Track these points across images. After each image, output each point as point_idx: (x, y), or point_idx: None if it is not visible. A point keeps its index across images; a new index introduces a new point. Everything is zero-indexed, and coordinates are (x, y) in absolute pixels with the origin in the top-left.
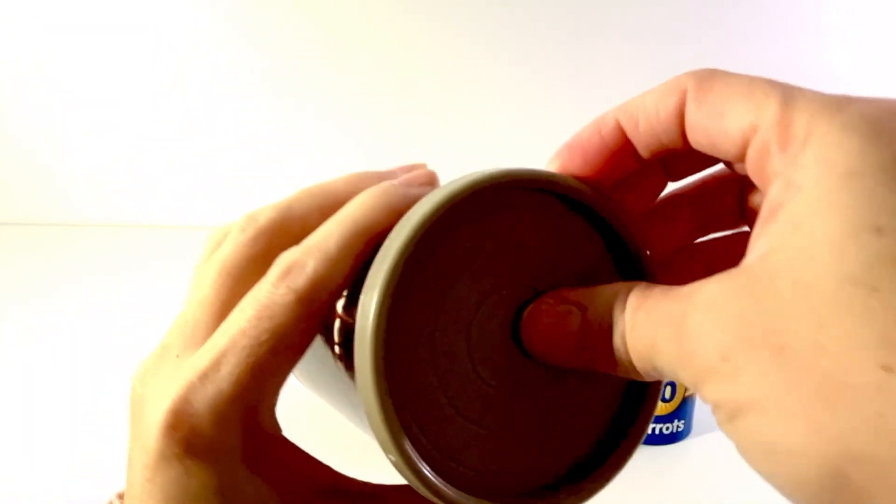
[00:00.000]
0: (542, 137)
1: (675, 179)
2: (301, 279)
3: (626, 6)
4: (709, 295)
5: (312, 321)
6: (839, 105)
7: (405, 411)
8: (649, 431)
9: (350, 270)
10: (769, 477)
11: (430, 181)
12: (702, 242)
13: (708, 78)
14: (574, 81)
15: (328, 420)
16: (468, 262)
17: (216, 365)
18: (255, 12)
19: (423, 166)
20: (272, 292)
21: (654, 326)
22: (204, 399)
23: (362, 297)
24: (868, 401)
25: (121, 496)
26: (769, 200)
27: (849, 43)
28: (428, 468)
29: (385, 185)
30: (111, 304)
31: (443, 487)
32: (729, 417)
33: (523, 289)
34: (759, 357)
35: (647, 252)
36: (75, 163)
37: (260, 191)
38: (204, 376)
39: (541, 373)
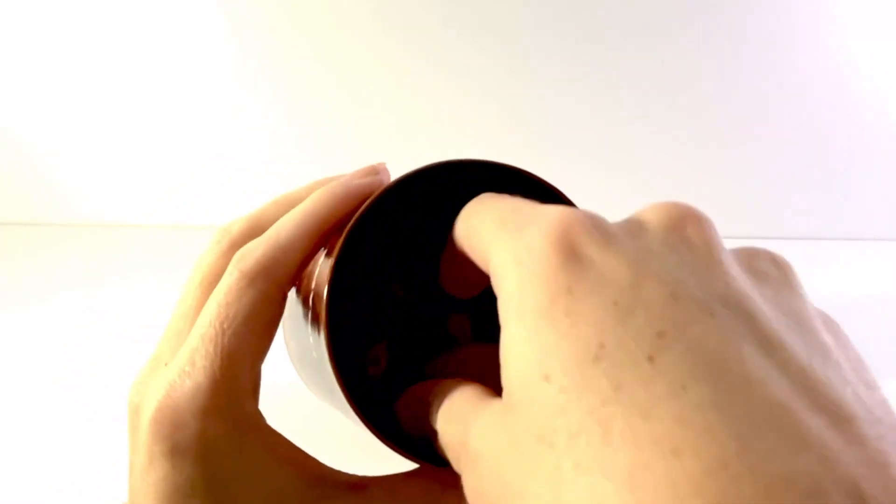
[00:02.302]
0: (541, 144)
1: None
2: (250, 262)
3: (622, 11)
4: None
5: (268, 302)
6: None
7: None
8: None
9: (305, 252)
10: None
11: (374, 172)
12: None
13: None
14: (568, 86)
15: (315, 417)
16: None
17: (192, 360)
18: (256, 12)
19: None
20: (227, 281)
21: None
22: (184, 395)
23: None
24: None
25: None
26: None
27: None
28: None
29: (332, 183)
30: (112, 305)
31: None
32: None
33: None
34: None
35: None
36: (74, 162)
37: (262, 189)
38: (183, 373)
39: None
